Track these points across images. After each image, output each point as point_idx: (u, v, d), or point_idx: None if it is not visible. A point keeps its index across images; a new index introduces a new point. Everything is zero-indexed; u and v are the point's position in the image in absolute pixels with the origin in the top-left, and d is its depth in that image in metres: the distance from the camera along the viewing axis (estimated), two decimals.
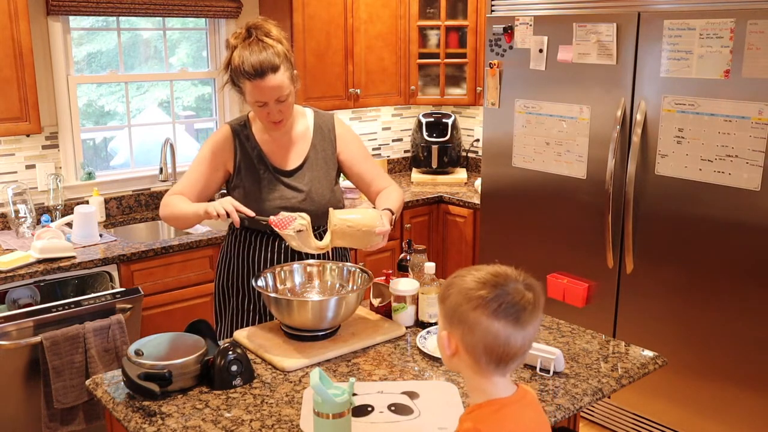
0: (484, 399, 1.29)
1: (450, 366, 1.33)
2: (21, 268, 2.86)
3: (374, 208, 2.33)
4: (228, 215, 2.09)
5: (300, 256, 2.28)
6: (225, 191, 2.38)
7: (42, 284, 2.92)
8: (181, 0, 3.69)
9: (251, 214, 2.11)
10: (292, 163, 2.32)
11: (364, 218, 2.10)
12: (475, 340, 1.23)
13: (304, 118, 2.38)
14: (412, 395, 1.77)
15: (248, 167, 2.29)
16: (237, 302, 2.38)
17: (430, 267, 2.19)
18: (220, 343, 1.95)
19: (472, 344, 1.24)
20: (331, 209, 2.11)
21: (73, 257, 2.98)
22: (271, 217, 2.09)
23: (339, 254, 2.45)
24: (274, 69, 2.11)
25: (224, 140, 2.30)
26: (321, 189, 2.32)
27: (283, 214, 2.08)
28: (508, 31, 3.46)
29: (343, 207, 2.39)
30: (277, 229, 2.07)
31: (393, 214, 2.22)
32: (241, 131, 2.31)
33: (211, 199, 2.30)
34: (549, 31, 3.31)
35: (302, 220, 2.07)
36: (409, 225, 4.02)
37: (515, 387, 1.33)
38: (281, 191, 2.29)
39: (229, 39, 2.20)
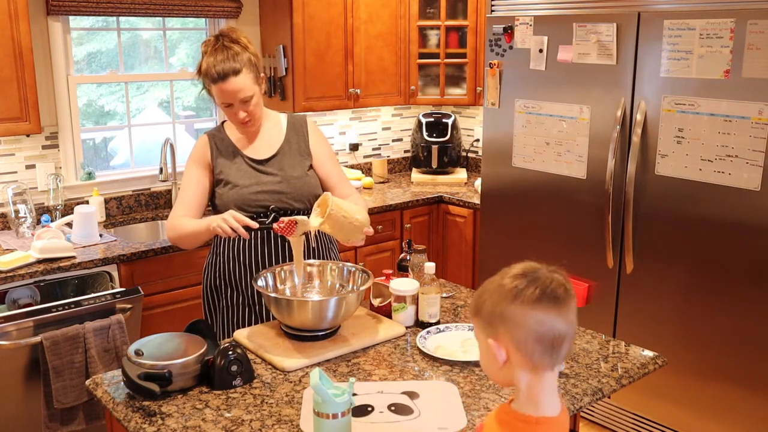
0: (534, 412, 1.26)
1: (500, 378, 1.29)
2: (21, 268, 2.86)
3: None
4: (233, 230, 2.12)
5: (280, 246, 2.35)
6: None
7: (42, 284, 2.92)
8: (181, 0, 3.69)
9: (255, 225, 2.15)
10: (266, 153, 2.42)
11: (357, 213, 2.13)
12: (524, 333, 1.20)
13: (278, 120, 2.50)
14: (412, 395, 1.77)
15: (224, 162, 2.39)
16: (228, 300, 2.41)
17: (430, 267, 2.19)
18: (220, 343, 1.95)
19: (522, 339, 1.21)
20: (327, 193, 2.15)
21: (73, 257, 2.98)
22: (275, 225, 2.13)
23: (326, 248, 2.47)
24: (236, 72, 2.25)
25: (202, 145, 2.43)
26: (295, 173, 2.40)
27: (283, 220, 2.11)
28: (508, 31, 3.46)
29: (319, 194, 2.42)
30: (284, 235, 2.12)
31: None
32: (216, 134, 2.45)
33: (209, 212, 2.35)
34: (549, 31, 3.31)
35: (303, 224, 2.11)
36: (409, 225, 4.02)
37: (560, 404, 1.30)
38: (258, 177, 2.37)
39: (201, 46, 2.35)
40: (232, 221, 2.12)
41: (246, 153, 2.40)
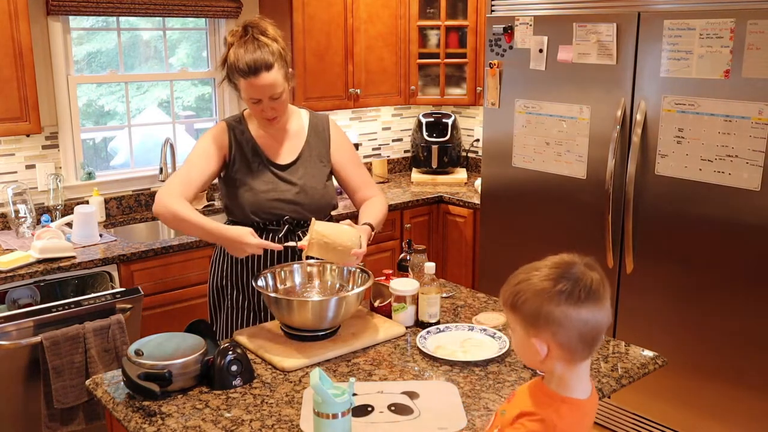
0: (562, 393, 1.32)
1: (536, 365, 1.37)
2: (21, 268, 2.86)
3: (357, 214, 2.37)
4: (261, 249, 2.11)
5: (288, 254, 2.31)
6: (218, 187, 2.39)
7: (42, 284, 2.92)
8: (181, 0, 3.69)
9: (279, 247, 2.12)
10: (287, 158, 2.33)
11: (342, 237, 2.08)
12: (568, 333, 1.25)
13: (300, 118, 2.40)
14: (412, 395, 1.77)
15: (242, 159, 2.30)
16: (232, 300, 2.39)
17: (430, 267, 2.19)
18: (220, 343, 1.95)
19: (566, 339, 1.26)
20: (313, 219, 2.12)
21: (73, 257, 2.98)
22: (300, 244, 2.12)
23: None
24: (268, 67, 2.14)
25: (221, 133, 2.31)
26: (314, 184, 2.34)
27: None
28: (508, 31, 3.46)
29: (336, 205, 2.43)
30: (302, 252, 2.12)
31: (373, 229, 2.26)
32: (236, 126, 2.33)
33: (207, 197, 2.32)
34: (549, 31, 3.31)
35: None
36: (409, 225, 4.01)
37: (590, 389, 1.36)
38: (275, 184, 2.30)
39: (227, 36, 2.23)
40: (257, 250, 2.09)
41: (266, 153, 2.31)
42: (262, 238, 2.28)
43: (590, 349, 1.29)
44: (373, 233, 2.27)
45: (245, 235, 2.08)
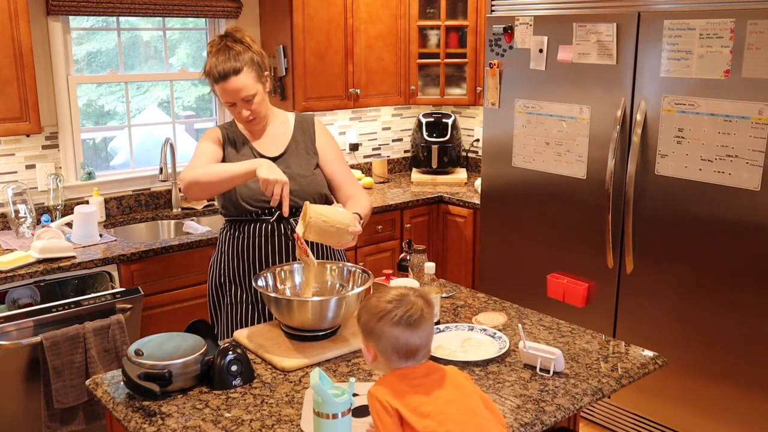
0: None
1: (373, 368, 1.67)
2: (21, 268, 2.86)
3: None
4: (278, 201, 2.12)
5: (283, 242, 2.37)
6: None
7: (42, 284, 2.92)
8: (181, 0, 3.69)
9: (286, 213, 2.15)
10: (275, 151, 2.44)
11: (338, 215, 2.13)
12: (383, 344, 1.52)
13: (285, 119, 2.52)
14: None
15: (233, 152, 2.41)
16: (231, 296, 2.42)
17: (430, 267, 2.18)
18: (220, 343, 1.95)
19: (382, 348, 1.53)
20: (307, 202, 2.15)
21: (73, 257, 2.98)
22: (298, 231, 2.13)
23: (329, 247, 2.48)
24: (236, 71, 2.28)
25: (215, 133, 2.46)
26: (303, 171, 2.41)
27: (303, 245, 2.13)
28: (508, 31, 3.46)
29: (325, 194, 2.47)
30: (298, 244, 2.13)
31: (361, 219, 2.30)
32: (228, 128, 2.47)
33: None
34: (549, 31, 3.31)
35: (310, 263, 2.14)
36: (409, 225, 4.02)
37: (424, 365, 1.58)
38: None
39: (207, 47, 2.41)
40: (278, 189, 2.10)
41: (256, 148, 2.42)
42: (255, 228, 2.38)
43: (406, 361, 1.53)
44: (362, 222, 2.29)
45: (280, 175, 2.14)
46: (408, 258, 2.35)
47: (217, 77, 2.28)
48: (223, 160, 2.39)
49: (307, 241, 2.18)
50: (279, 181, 2.11)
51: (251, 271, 2.37)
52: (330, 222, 2.10)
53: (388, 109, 4.75)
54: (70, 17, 3.50)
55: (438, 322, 2.19)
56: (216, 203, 2.44)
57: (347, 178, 2.50)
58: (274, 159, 2.39)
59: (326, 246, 2.46)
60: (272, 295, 2.05)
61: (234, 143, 2.42)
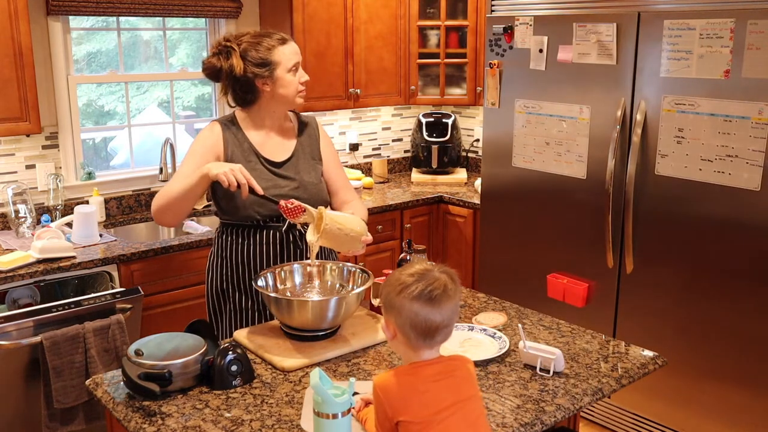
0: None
1: (393, 347, 1.58)
2: (21, 268, 2.86)
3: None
4: (238, 186, 2.10)
5: (291, 250, 2.34)
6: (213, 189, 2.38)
7: (42, 284, 2.92)
8: (181, 0, 3.69)
9: (261, 191, 2.14)
10: (281, 156, 2.39)
11: (352, 223, 2.14)
12: (402, 320, 1.48)
13: (289, 118, 2.48)
14: None
15: (239, 158, 2.33)
16: (234, 303, 2.39)
17: None
18: (220, 343, 1.95)
19: (401, 324, 1.49)
20: (321, 208, 2.14)
21: (73, 257, 2.98)
22: (282, 202, 2.12)
23: (326, 249, 2.46)
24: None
25: (215, 133, 2.35)
26: (311, 179, 2.39)
27: (294, 202, 2.11)
28: (508, 31, 3.46)
29: (329, 200, 2.46)
30: (286, 216, 2.12)
31: None
32: (230, 126, 2.38)
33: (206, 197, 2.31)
34: (549, 31, 3.31)
35: (311, 215, 2.11)
36: (409, 225, 4.02)
37: (439, 356, 1.55)
38: (274, 180, 2.34)
39: (230, 45, 2.30)
40: (239, 175, 2.08)
41: (262, 152, 2.36)
42: (262, 235, 2.33)
43: (424, 340, 1.49)
44: None
45: (233, 165, 2.13)
46: (408, 258, 2.35)
47: (281, 39, 2.29)
48: (227, 159, 2.32)
49: (303, 232, 2.18)
50: (232, 168, 2.09)
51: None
52: (345, 230, 2.11)
53: (388, 109, 4.75)
54: (70, 17, 3.50)
55: None
56: (213, 206, 2.41)
57: (344, 183, 2.51)
58: (281, 163, 2.36)
59: (323, 247, 2.44)
60: (272, 295, 2.05)
61: (238, 146, 2.33)
